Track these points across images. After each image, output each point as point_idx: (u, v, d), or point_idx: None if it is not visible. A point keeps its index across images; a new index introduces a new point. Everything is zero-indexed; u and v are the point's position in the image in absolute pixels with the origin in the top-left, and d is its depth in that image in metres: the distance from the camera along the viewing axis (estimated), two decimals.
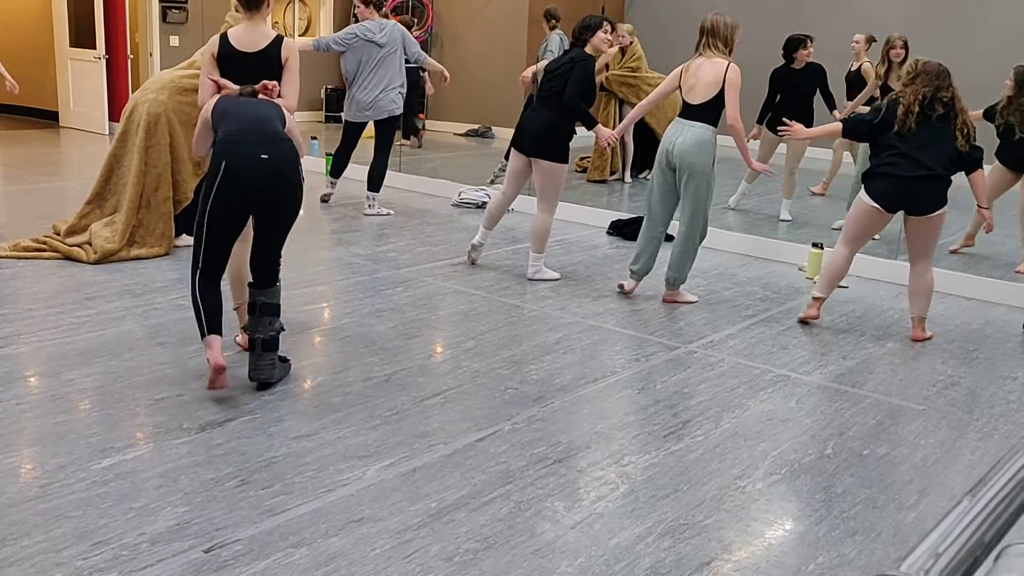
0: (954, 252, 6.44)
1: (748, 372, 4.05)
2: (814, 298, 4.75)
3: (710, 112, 4.72)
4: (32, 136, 10.73)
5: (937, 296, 5.47)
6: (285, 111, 3.62)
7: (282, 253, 3.60)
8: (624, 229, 6.79)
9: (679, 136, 4.74)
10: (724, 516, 2.78)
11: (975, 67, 7.23)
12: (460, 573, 2.40)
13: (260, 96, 3.63)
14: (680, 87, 4.82)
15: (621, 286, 5.14)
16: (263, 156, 3.35)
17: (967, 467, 3.23)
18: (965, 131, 4.35)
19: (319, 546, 2.48)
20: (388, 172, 7.04)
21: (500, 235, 6.62)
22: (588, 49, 5.12)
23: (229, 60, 3.78)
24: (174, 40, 11.52)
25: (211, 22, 11.47)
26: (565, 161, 5.19)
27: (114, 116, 11.18)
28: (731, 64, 4.68)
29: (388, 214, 7.04)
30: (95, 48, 10.92)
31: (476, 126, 12.44)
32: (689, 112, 4.77)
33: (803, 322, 4.77)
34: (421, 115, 12.85)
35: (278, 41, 3.85)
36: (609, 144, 5.33)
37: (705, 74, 4.70)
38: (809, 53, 7.27)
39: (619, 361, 4.11)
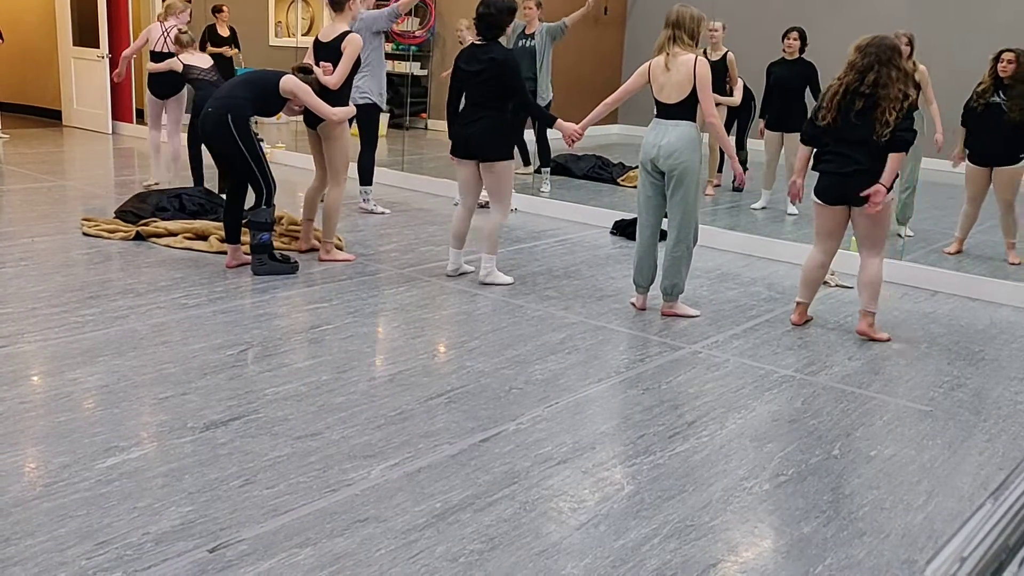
0: (950, 254, 6.42)
1: (753, 373, 4.03)
2: (797, 303, 4.73)
3: (688, 108, 4.54)
4: (35, 135, 10.73)
5: (943, 297, 5.45)
6: (288, 79, 4.96)
7: (259, 176, 4.95)
8: (627, 229, 6.77)
9: (664, 137, 4.53)
10: (731, 517, 2.76)
11: (977, 66, 7.20)
12: (465, 574, 2.39)
13: (314, 73, 5.12)
14: (650, 86, 4.63)
15: (633, 304, 4.94)
16: (209, 109, 4.94)
17: (975, 468, 3.21)
18: (884, 119, 4.16)
19: (324, 546, 2.47)
20: (391, 172, 7.03)
21: (502, 235, 6.60)
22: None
23: (314, 46, 5.36)
24: None
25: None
26: (512, 157, 5.11)
27: (117, 115, 11.19)
28: (699, 58, 4.51)
29: (384, 212, 7.02)
30: (98, 47, 10.91)
31: None
32: (666, 112, 4.56)
33: (797, 326, 4.76)
34: (423, 115, 12.85)
35: (343, 35, 5.15)
36: (575, 141, 5.07)
37: (675, 71, 4.50)
38: (791, 44, 7.37)
39: (623, 361, 4.10)
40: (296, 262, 5.20)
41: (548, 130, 5.81)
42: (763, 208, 7.79)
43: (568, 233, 6.67)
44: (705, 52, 7.86)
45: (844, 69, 4.30)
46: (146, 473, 2.81)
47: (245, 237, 5.27)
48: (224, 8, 9.79)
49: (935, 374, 4.16)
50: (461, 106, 5.12)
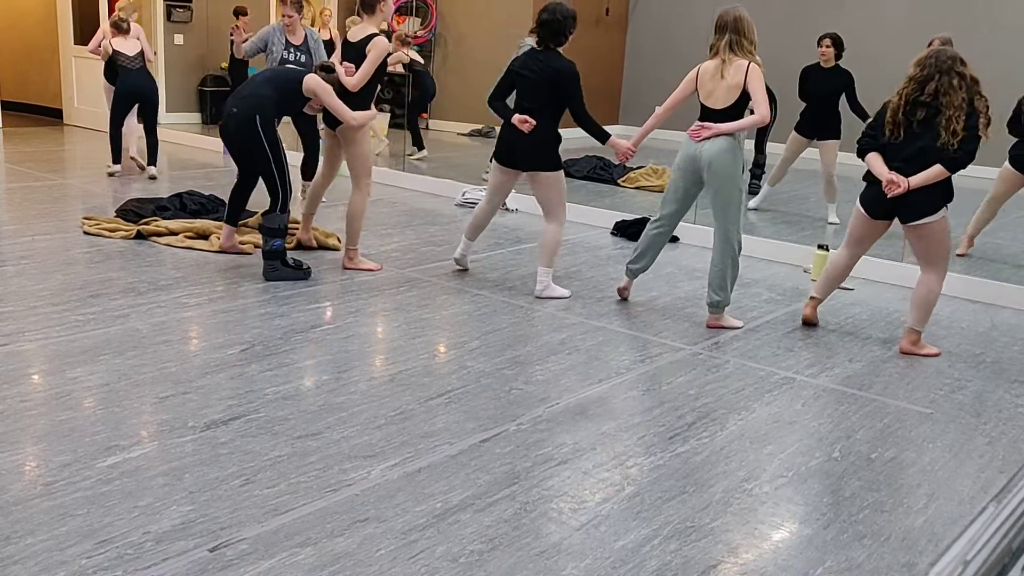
0: (961, 255, 6.40)
1: (754, 374, 4.03)
2: (811, 298, 4.73)
3: (734, 116, 4.44)
4: (36, 134, 10.73)
5: (943, 299, 5.44)
6: (311, 78, 4.94)
7: (277, 180, 4.89)
8: (628, 230, 6.78)
9: (707, 144, 4.44)
10: (731, 519, 2.76)
11: (982, 67, 7.20)
12: (466, 574, 2.39)
13: (336, 72, 5.08)
14: (697, 91, 4.54)
15: (619, 289, 4.99)
16: (234, 109, 4.90)
17: (976, 471, 3.21)
18: (951, 127, 4.02)
19: (324, 546, 2.47)
20: (392, 172, 7.04)
21: (503, 235, 6.61)
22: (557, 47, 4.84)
23: (343, 46, 5.31)
24: (178, 39, 11.53)
25: (215, 20, 11.49)
26: (561, 167, 4.99)
27: None
28: (751, 64, 4.37)
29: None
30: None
31: (480, 126, 12.43)
32: (711, 118, 4.47)
33: (807, 323, 4.75)
34: (424, 115, 12.85)
35: (370, 37, 5.07)
36: (628, 158, 4.97)
37: (727, 78, 4.40)
38: (825, 52, 7.15)
39: (624, 362, 4.10)
40: (308, 268, 5.11)
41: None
42: (754, 209, 7.71)
43: (569, 234, 6.67)
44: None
45: (904, 82, 4.19)
46: (147, 472, 2.80)
47: (248, 236, 5.29)
48: (246, 12, 9.79)
49: (936, 376, 4.16)
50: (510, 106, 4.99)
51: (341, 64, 5.18)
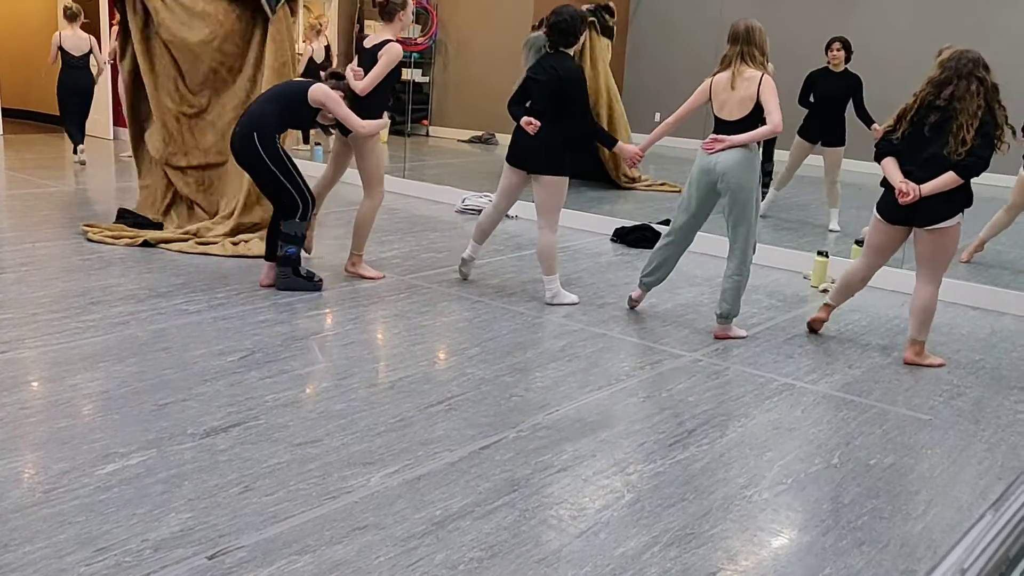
0: (965, 262, 6.39)
1: (754, 380, 4.03)
2: (824, 304, 4.71)
3: (748, 127, 4.41)
4: (37, 140, 10.74)
5: (942, 305, 5.43)
6: (316, 88, 4.85)
7: (292, 192, 4.83)
8: (628, 236, 6.79)
9: (721, 155, 4.42)
10: (730, 526, 2.76)
11: (1009, 74, 7.19)
12: None
13: (345, 78, 5.05)
14: (711, 102, 4.51)
15: (631, 298, 4.97)
16: (236, 128, 4.87)
17: (975, 478, 3.21)
18: (960, 135, 3.96)
19: (323, 553, 2.47)
20: (392, 178, 7.05)
21: (504, 242, 6.61)
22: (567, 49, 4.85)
23: (358, 52, 5.29)
24: None
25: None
26: (568, 174, 4.96)
27: (118, 121, 11.19)
28: (764, 75, 4.34)
29: None
30: (100, 53, 10.91)
31: (480, 133, 12.45)
32: (726, 130, 4.44)
33: (811, 328, 4.74)
34: (424, 121, 12.87)
35: (383, 43, 5.04)
36: (635, 163, 5.01)
37: (740, 88, 4.37)
38: (836, 55, 7.16)
39: (624, 369, 4.10)
40: (320, 280, 5.02)
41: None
42: (762, 216, 7.74)
43: (569, 240, 6.67)
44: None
45: (923, 83, 4.14)
46: (145, 479, 2.80)
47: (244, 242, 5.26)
48: None
49: (935, 383, 4.16)
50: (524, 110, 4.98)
51: (352, 70, 5.15)
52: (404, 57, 5.22)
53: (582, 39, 4.97)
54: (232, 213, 5.94)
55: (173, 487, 2.77)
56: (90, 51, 8.99)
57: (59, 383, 3.52)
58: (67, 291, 4.72)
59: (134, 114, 6.28)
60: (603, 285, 5.50)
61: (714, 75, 4.52)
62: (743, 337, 4.66)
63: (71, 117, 9.05)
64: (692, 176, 4.60)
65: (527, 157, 4.94)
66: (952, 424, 3.68)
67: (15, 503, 2.62)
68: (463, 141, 12.55)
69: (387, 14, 5.12)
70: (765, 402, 3.79)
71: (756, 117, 4.40)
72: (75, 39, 8.88)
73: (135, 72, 6.08)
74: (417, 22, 12.28)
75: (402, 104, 11.89)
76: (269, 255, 5.04)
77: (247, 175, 5.34)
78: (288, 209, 4.88)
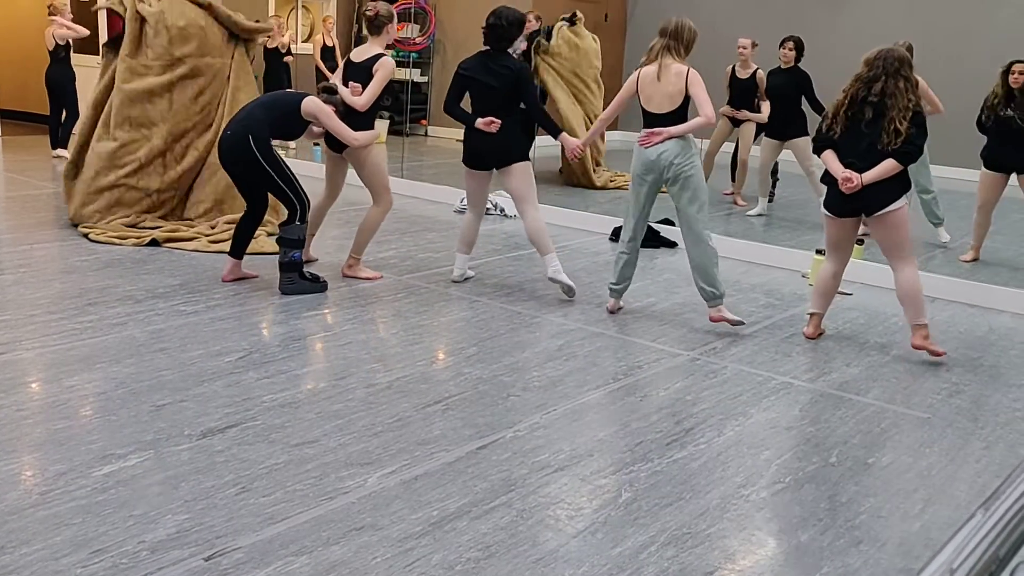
0: (966, 261, 6.41)
1: (751, 379, 4.03)
2: (810, 315, 4.69)
3: (678, 119, 4.51)
4: (35, 142, 10.73)
5: (941, 303, 5.45)
6: (309, 101, 4.84)
7: (289, 194, 4.82)
8: None
9: (661, 147, 4.51)
10: (728, 525, 2.76)
11: (978, 71, 7.21)
12: None
13: (339, 94, 4.99)
14: (638, 96, 4.60)
15: (609, 309, 4.93)
16: (227, 132, 4.84)
17: (972, 476, 3.21)
18: (892, 127, 4.11)
19: (320, 554, 2.46)
20: (391, 178, 7.01)
21: (501, 242, 6.61)
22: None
23: (345, 66, 5.28)
24: None
25: None
26: (528, 157, 5.12)
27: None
28: (690, 69, 4.47)
29: None
30: (98, 55, 10.91)
31: None
32: (655, 123, 4.54)
33: (810, 339, 4.74)
34: (423, 121, 12.86)
35: (376, 57, 5.07)
36: (576, 156, 5.17)
37: (666, 82, 4.48)
38: (786, 54, 7.54)
39: (621, 368, 4.09)
40: (325, 281, 5.02)
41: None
42: (759, 215, 7.81)
43: (567, 239, 6.67)
44: (733, 69, 7.97)
45: (851, 81, 4.28)
46: (142, 481, 2.80)
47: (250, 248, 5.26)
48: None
49: (933, 381, 4.16)
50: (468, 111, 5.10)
51: (347, 86, 5.12)
52: (402, 57, 5.26)
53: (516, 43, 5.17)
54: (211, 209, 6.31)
55: (170, 488, 2.76)
56: (67, 43, 9.13)
57: (56, 384, 3.52)
58: (65, 292, 4.72)
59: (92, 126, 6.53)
60: (601, 284, 5.50)
61: (640, 68, 4.63)
62: (741, 323, 4.70)
63: (54, 114, 9.19)
64: (635, 174, 4.68)
65: (490, 155, 5.08)
66: (950, 422, 3.68)
67: (12, 505, 2.62)
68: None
69: (375, 28, 5.15)
70: (763, 401, 3.79)
71: (685, 109, 4.53)
72: (55, 29, 9.12)
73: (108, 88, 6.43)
74: (415, 22, 12.27)
75: (400, 104, 11.89)
76: (234, 251, 5.08)
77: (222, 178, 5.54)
78: (288, 210, 4.89)
